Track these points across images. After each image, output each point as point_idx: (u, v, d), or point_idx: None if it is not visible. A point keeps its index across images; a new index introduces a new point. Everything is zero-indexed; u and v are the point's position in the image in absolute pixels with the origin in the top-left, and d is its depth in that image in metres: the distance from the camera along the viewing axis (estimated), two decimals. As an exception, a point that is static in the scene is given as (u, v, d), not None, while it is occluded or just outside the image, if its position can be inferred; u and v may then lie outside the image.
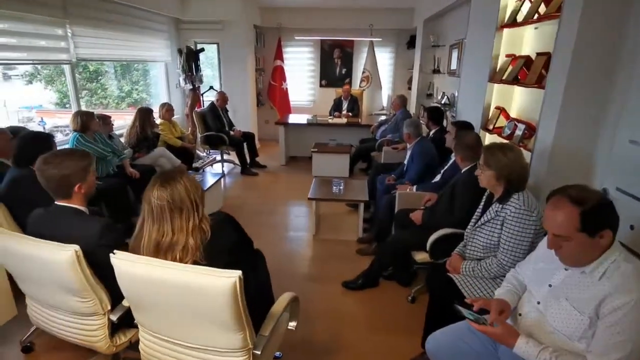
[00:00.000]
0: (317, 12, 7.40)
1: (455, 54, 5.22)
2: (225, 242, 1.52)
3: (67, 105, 6.09)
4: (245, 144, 5.98)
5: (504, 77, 3.07)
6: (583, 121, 2.19)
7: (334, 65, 8.19)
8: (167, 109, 5.17)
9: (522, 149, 2.61)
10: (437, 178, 3.29)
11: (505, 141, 2.94)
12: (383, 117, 7.01)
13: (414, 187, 3.33)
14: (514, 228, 1.81)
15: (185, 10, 6.29)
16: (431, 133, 4.16)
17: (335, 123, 6.33)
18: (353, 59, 8.12)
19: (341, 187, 3.90)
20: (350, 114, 6.82)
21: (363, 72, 7.73)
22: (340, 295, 2.85)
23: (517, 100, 3.25)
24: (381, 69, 7.77)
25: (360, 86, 7.74)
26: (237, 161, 5.99)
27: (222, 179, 4.55)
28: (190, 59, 6.26)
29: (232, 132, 5.95)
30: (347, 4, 7.11)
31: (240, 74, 6.90)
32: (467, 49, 4.09)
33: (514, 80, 2.88)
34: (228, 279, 1.22)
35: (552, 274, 1.39)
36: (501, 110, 3.23)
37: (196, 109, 6.30)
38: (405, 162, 3.84)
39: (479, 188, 2.17)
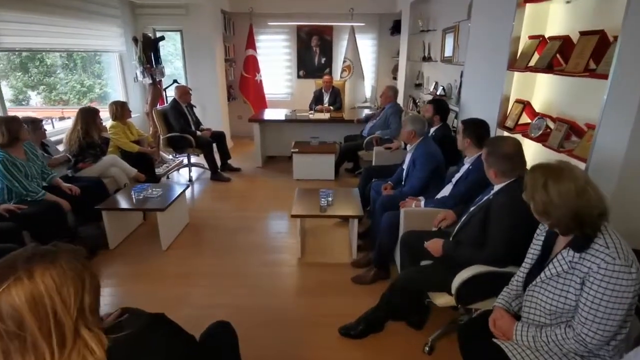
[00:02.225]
0: (292, -6, 6.67)
1: (450, 39, 4.66)
2: None
3: (24, 102, 5.24)
4: (215, 145, 5.25)
5: (530, 64, 2.49)
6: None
7: (312, 54, 7.51)
8: (120, 107, 4.36)
9: (570, 157, 2.04)
10: (448, 188, 2.68)
11: (543, 146, 2.37)
12: (368, 111, 6.40)
13: (422, 201, 2.72)
14: (606, 292, 1.20)
15: (140, -8, 5.44)
16: (432, 131, 3.55)
17: (317, 119, 5.66)
18: (333, 47, 7.48)
19: (330, 199, 3.27)
20: (332, 107, 6.16)
21: (344, 62, 7.09)
22: (339, 345, 2.22)
23: (543, 92, 2.67)
24: (363, 58, 7.14)
25: (341, 77, 7.09)
26: (206, 165, 5.24)
27: (188, 189, 3.83)
28: (148, 49, 5.42)
29: (199, 132, 5.21)
30: (324, -15, 6.43)
31: (208, 65, 6.13)
32: (474, 32, 3.48)
33: (548, 68, 2.29)
34: None
35: None
36: (525, 104, 2.65)
37: (158, 106, 5.50)
38: (405, 166, 3.22)
39: (523, 213, 1.58)
